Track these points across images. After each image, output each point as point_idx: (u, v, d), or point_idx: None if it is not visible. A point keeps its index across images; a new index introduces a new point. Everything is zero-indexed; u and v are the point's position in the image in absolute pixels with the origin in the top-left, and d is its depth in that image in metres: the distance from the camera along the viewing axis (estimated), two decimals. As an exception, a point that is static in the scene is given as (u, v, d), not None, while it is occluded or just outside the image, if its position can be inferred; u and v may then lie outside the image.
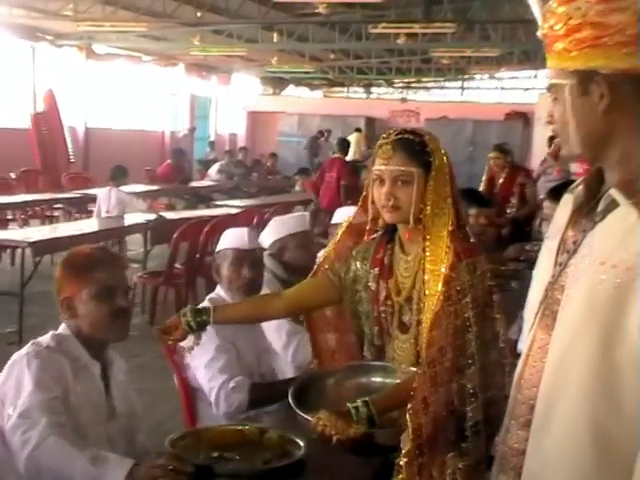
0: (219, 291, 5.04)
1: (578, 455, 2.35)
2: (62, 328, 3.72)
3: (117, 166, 14.08)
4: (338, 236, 4.12)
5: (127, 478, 3.07)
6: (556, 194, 5.25)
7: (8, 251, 10.73)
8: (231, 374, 4.55)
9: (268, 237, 5.57)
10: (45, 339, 3.65)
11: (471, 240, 3.50)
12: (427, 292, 3.42)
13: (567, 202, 2.63)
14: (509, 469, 2.58)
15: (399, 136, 3.54)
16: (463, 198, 6.52)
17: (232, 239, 5.06)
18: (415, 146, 3.52)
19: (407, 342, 3.57)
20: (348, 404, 3.41)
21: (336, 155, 16.55)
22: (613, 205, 2.34)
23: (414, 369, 3.37)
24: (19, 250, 10.25)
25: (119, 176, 13.81)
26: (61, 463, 3.18)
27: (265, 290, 5.12)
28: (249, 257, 4.81)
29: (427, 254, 3.44)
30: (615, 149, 2.39)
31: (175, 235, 10.73)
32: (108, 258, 3.93)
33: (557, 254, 2.54)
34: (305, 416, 3.51)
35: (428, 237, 3.45)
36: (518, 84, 29.59)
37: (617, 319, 2.28)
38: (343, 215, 5.89)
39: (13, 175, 16.85)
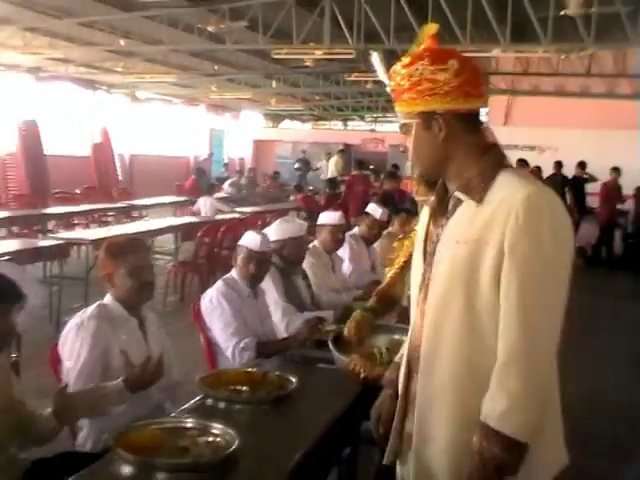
0: (233, 273, 5.05)
1: (455, 380, 2.44)
2: (107, 297, 3.87)
3: (211, 184, 15.21)
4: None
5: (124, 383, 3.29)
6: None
7: (75, 247, 10.76)
8: (241, 336, 4.61)
9: (273, 234, 5.46)
10: (90, 309, 3.79)
11: None
12: None
13: (425, 210, 2.79)
14: (405, 407, 2.67)
15: None
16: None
17: (249, 240, 5.05)
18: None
19: None
20: (374, 349, 3.58)
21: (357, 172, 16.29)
22: (459, 202, 2.49)
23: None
24: (83, 247, 10.52)
25: (211, 190, 15.53)
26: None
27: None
28: (257, 257, 4.82)
29: None
30: (453, 166, 2.51)
31: (199, 234, 10.90)
32: (136, 245, 4.05)
33: (424, 248, 2.64)
34: (341, 357, 3.67)
35: None
36: None
37: (473, 277, 2.38)
38: (327, 218, 6.34)
39: (78, 190, 16.83)
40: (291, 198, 19.39)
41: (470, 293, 2.40)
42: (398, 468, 2.73)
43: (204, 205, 14.27)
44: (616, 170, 15.71)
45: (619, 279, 14.61)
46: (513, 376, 2.30)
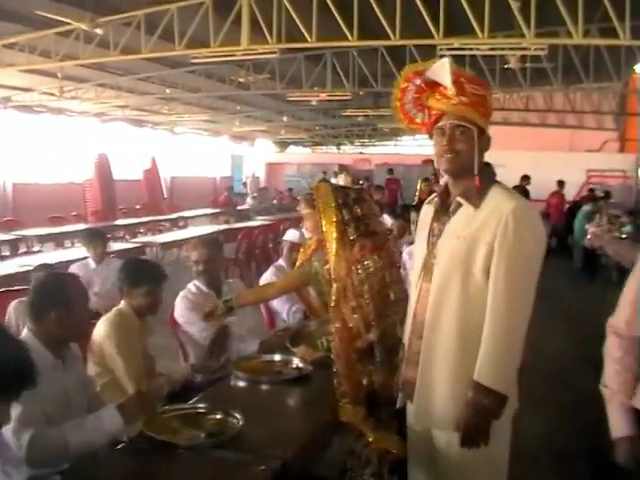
0: (281, 262, 5.26)
1: (452, 344, 2.48)
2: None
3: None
4: (305, 250, 4.10)
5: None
6: (417, 208, 4.80)
7: (147, 249, 10.73)
8: (292, 304, 4.85)
9: (287, 237, 5.45)
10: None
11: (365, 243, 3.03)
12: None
13: (425, 208, 2.76)
14: (412, 363, 2.64)
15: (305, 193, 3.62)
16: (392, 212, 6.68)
17: (291, 236, 5.32)
18: (307, 198, 3.78)
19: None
20: (317, 340, 3.58)
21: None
22: (459, 205, 2.53)
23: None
24: (154, 248, 10.72)
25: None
26: None
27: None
28: (297, 248, 4.79)
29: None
30: (469, 171, 2.51)
31: (239, 236, 11.00)
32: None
33: (428, 239, 2.63)
34: (293, 349, 3.66)
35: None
36: (429, 142, 28.31)
37: (468, 268, 2.45)
38: (291, 235, 5.48)
39: (137, 206, 17.17)
40: (299, 208, 19.27)
41: (465, 277, 2.46)
42: (408, 407, 2.75)
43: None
44: (561, 183, 15.78)
45: (558, 262, 14.84)
46: (500, 342, 2.37)
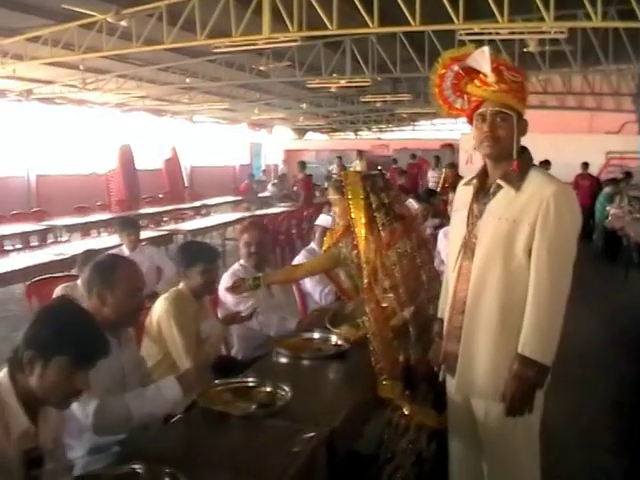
0: (313, 245, 5.37)
1: (493, 318, 2.59)
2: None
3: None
4: (332, 234, 4.05)
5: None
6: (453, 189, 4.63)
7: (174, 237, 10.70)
8: (324, 286, 4.91)
9: (319, 221, 5.46)
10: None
11: (380, 228, 3.21)
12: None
13: (462, 190, 2.83)
14: (453, 337, 2.73)
15: (333, 179, 3.66)
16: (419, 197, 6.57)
17: (323, 220, 5.34)
18: (336, 184, 3.71)
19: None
20: (358, 320, 3.56)
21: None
22: (499, 188, 2.62)
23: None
24: (180, 236, 10.55)
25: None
26: None
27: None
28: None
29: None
30: (509, 154, 2.60)
31: (264, 222, 10.95)
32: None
33: (468, 218, 2.70)
34: (334, 330, 3.73)
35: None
36: (447, 127, 27.94)
37: (510, 247, 2.54)
38: (323, 220, 5.50)
39: (160, 195, 17.30)
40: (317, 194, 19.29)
41: (507, 256, 2.55)
42: (448, 379, 2.84)
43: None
44: (585, 165, 15.58)
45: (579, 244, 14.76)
46: (543, 317, 2.47)
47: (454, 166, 12.91)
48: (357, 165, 20.92)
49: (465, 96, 2.69)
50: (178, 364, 3.40)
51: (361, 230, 3.20)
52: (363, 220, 3.20)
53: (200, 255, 3.71)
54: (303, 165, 17.08)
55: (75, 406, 2.46)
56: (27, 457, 2.02)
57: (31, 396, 2.03)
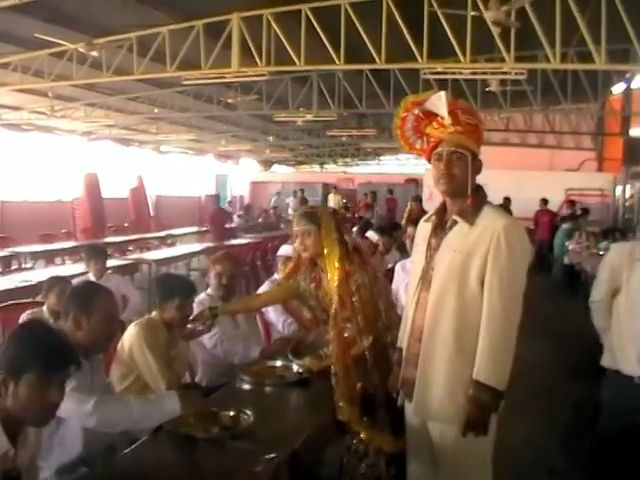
0: (275, 276, 5.19)
1: (449, 345, 2.69)
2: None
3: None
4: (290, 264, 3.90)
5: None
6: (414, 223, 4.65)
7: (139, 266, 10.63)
8: (287, 316, 4.94)
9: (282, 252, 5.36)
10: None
11: (353, 259, 3.33)
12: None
13: (423, 225, 2.95)
14: (411, 363, 2.83)
15: (303, 211, 3.57)
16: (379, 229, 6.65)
17: (285, 250, 5.21)
18: (309, 216, 3.49)
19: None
20: (320, 351, 3.56)
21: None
22: (455, 223, 2.74)
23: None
24: (145, 265, 10.36)
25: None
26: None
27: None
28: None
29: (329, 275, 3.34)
30: (463, 192, 2.71)
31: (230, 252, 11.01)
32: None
33: (426, 252, 2.83)
34: (297, 361, 3.69)
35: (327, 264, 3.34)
36: (411, 162, 27.68)
37: (464, 277, 2.66)
38: (285, 250, 5.30)
39: (126, 224, 17.18)
40: (281, 226, 19.24)
41: (461, 286, 2.67)
42: (406, 404, 2.95)
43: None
44: (545, 201, 15.90)
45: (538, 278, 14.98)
46: (496, 344, 2.57)
47: (419, 199, 13.13)
48: (331, 199, 21.06)
49: (424, 137, 2.82)
50: (152, 387, 3.45)
51: (334, 261, 3.29)
52: (338, 252, 3.31)
53: (177, 290, 3.73)
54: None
55: (74, 407, 2.56)
56: (4, 478, 2.07)
57: (9, 417, 2.07)
